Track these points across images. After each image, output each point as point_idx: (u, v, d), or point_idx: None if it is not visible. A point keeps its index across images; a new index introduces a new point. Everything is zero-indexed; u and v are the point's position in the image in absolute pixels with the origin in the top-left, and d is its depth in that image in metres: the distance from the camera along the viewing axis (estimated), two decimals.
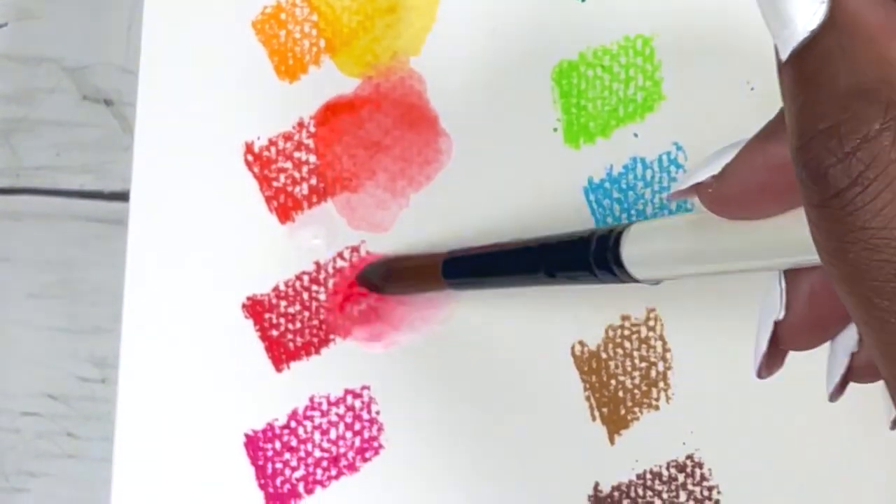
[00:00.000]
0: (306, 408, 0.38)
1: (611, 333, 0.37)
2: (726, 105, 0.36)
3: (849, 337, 0.25)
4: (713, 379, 0.36)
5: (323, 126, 0.39)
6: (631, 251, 0.29)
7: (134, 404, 0.39)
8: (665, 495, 0.36)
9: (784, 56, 0.19)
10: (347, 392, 0.38)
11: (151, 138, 0.40)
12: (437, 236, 0.38)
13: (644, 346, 0.36)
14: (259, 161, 0.39)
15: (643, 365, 0.36)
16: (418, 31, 0.38)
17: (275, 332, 0.39)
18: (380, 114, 0.38)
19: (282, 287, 0.39)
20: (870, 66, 0.18)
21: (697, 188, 0.24)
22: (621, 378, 0.37)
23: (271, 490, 0.38)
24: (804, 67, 0.19)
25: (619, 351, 0.37)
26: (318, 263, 0.39)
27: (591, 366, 0.37)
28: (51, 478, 0.46)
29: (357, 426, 0.38)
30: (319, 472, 0.38)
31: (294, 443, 0.38)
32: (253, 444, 0.39)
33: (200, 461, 0.39)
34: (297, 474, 0.38)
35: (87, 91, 0.46)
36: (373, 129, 0.38)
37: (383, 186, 0.38)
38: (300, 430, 0.38)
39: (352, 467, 0.38)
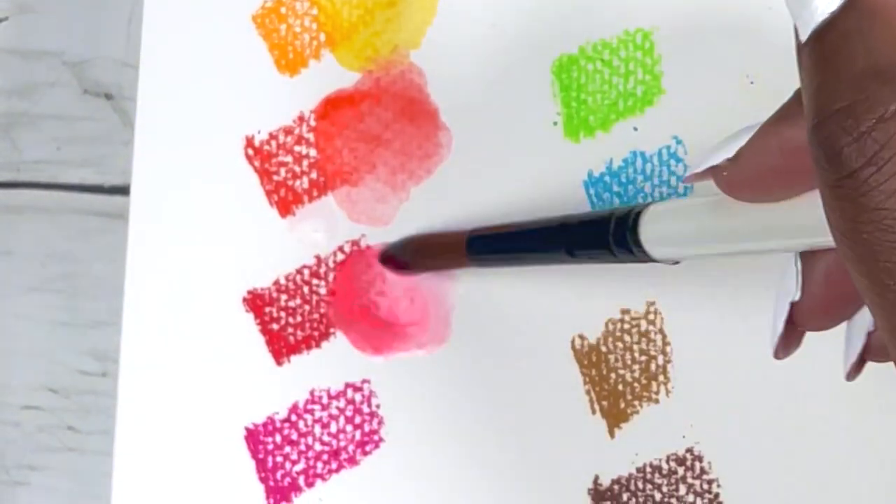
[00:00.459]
0: (307, 401, 0.38)
1: (611, 327, 0.37)
2: (726, 99, 0.36)
3: (866, 316, 0.25)
4: (713, 373, 0.36)
5: (323, 120, 0.39)
6: (649, 231, 0.29)
7: (134, 398, 0.39)
8: (665, 489, 0.36)
9: (803, 37, 0.19)
10: (348, 386, 0.38)
11: (152, 132, 0.40)
12: (438, 230, 0.38)
13: (644, 339, 0.36)
14: (259, 155, 0.39)
15: (643, 358, 0.37)
16: (418, 25, 0.38)
17: (275, 326, 0.39)
18: (380, 108, 0.38)
19: (282, 281, 0.39)
20: (887, 49, 0.18)
21: (713, 171, 0.24)
22: (621, 371, 0.37)
23: (272, 483, 0.39)
24: (823, 48, 0.19)
25: (619, 344, 0.37)
26: (318, 257, 0.39)
27: (590, 359, 0.37)
28: (51, 471, 0.46)
29: (357, 419, 0.38)
30: (320, 465, 0.38)
31: (294, 436, 0.38)
32: (253, 437, 0.39)
33: (201, 455, 0.39)
34: (298, 468, 0.38)
35: (88, 85, 0.46)
36: (373, 123, 0.38)
37: (383, 180, 0.38)
38: (301, 424, 0.38)
39: (352, 461, 0.38)
